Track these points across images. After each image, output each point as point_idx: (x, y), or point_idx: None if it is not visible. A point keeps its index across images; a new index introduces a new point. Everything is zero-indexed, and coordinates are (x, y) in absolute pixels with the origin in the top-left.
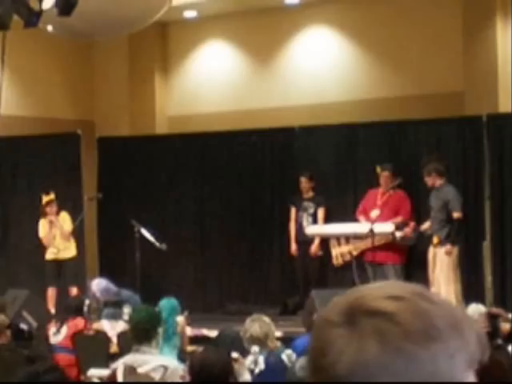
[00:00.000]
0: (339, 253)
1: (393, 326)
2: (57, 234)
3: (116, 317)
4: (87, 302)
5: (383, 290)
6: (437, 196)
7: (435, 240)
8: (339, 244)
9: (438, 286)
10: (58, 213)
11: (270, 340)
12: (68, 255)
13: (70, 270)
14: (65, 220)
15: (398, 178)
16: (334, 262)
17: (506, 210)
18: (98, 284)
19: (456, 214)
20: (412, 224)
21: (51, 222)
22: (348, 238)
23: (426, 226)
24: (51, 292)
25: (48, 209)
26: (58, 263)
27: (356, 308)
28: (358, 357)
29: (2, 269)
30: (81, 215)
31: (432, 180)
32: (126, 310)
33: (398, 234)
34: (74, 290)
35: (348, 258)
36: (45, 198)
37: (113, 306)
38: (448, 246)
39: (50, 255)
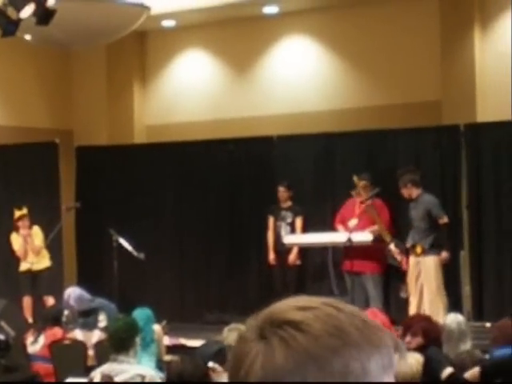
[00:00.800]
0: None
1: (299, 334)
2: (29, 249)
3: (90, 326)
4: (65, 311)
5: (292, 303)
6: (416, 206)
7: (418, 249)
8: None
9: (420, 296)
10: (30, 227)
11: None
12: (41, 266)
13: (45, 280)
14: (36, 234)
15: (376, 187)
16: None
17: (484, 219)
18: (72, 292)
19: (442, 220)
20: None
21: (24, 237)
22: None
23: (410, 238)
24: (26, 301)
25: (20, 223)
26: (33, 274)
27: (266, 322)
28: (267, 365)
29: None
30: (59, 225)
31: (408, 191)
32: (102, 317)
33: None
34: (49, 300)
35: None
36: (17, 213)
37: (87, 316)
38: (444, 253)
39: (23, 267)
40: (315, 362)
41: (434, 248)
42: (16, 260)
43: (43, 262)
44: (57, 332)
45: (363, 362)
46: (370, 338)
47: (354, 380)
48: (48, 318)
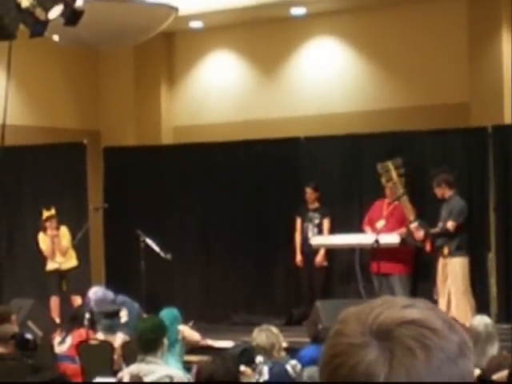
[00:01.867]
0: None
1: (429, 332)
2: (56, 250)
3: (112, 329)
4: (87, 314)
5: (392, 304)
6: (446, 207)
7: (445, 251)
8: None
9: (448, 298)
10: (57, 228)
11: (275, 351)
12: (69, 266)
13: (73, 280)
14: (64, 235)
15: (406, 184)
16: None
17: (511, 221)
18: (95, 293)
19: (449, 224)
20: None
21: (52, 238)
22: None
23: (436, 229)
24: (54, 302)
25: (48, 224)
26: (60, 273)
27: (382, 323)
28: (408, 364)
29: (7, 279)
30: (86, 225)
31: (442, 191)
32: (123, 313)
33: (412, 226)
34: (77, 299)
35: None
36: (45, 213)
37: (109, 318)
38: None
39: (51, 266)
40: (449, 361)
41: (461, 250)
42: (43, 260)
43: (70, 261)
44: (83, 332)
45: (468, 357)
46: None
47: (470, 377)
48: (75, 319)
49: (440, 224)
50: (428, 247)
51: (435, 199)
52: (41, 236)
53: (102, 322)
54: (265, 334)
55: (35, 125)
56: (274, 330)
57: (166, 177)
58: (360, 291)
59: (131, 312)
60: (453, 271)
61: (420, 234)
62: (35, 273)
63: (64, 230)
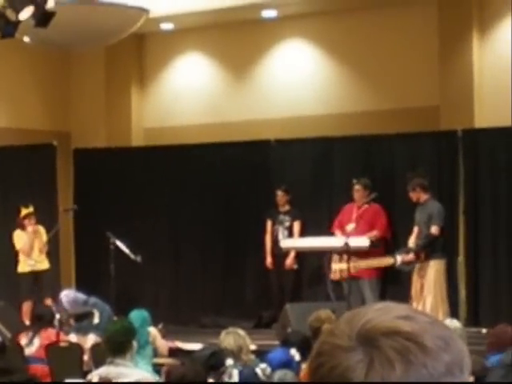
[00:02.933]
0: (339, 268)
1: (414, 346)
2: (35, 247)
3: (84, 330)
4: (57, 314)
5: (388, 311)
6: (422, 211)
7: (422, 254)
8: (341, 260)
9: (423, 301)
10: (35, 225)
11: (243, 353)
12: (44, 267)
13: (47, 282)
14: (42, 233)
15: (374, 192)
16: (332, 276)
17: (481, 225)
18: (67, 295)
19: (433, 229)
20: (412, 255)
21: (32, 234)
22: (349, 256)
23: (411, 242)
24: (27, 306)
25: (26, 221)
26: (35, 275)
27: (367, 330)
28: (384, 374)
29: None
30: (56, 227)
31: (416, 195)
32: (95, 315)
33: (399, 259)
34: (49, 302)
35: (345, 274)
36: (23, 211)
37: (81, 319)
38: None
39: (26, 267)
40: (431, 379)
41: (437, 252)
42: (15, 261)
43: (45, 262)
44: (51, 334)
45: (461, 369)
46: (453, 347)
47: None
48: (40, 319)
49: (420, 231)
50: (423, 258)
51: (406, 202)
52: (17, 233)
53: (74, 325)
54: (232, 337)
55: (4, 126)
56: (241, 332)
57: (136, 179)
58: (329, 294)
59: (103, 314)
60: (429, 274)
61: (411, 257)
62: (6, 274)
63: (41, 229)
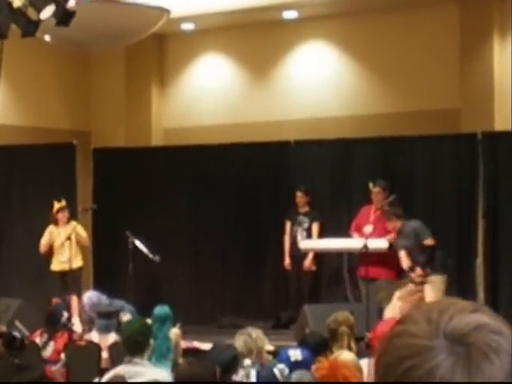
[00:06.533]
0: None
1: (495, 335)
2: (65, 243)
3: (108, 329)
4: (65, 314)
5: (462, 307)
6: (402, 235)
7: (418, 271)
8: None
9: None
10: (68, 220)
11: (254, 356)
12: (77, 264)
13: (76, 280)
14: (74, 227)
15: (392, 194)
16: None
17: (500, 228)
18: (89, 298)
19: (427, 242)
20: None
21: (64, 227)
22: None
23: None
24: (74, 301)
25: (60, 215)
26: (64, 273)
27: (456, 327)
28: (485, 370)
29: None
30: None
31: (393, 225)
32: (125, 318)
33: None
34: (57, 301)
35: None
36: (56, 205)
37: (105, 318)
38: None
39: (56, 266)
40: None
41: (438, 270)
42: (37, 259)
43: (78, 259)
44: (66, 337)
45: None
46: None
47: None
48: (52, 320)
49: (409, 252)
50: (429, 272)
51: (425, 205)
52: (50, 229)
53: (98, 323)
54: (243, 339)
55: (25, 125)
56: (255, 334)
57: (155, 178)
58: (347, 296)
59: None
60: (428, 291)
61: (419, 272)
62: (26, 272)
63: (74, 224)
